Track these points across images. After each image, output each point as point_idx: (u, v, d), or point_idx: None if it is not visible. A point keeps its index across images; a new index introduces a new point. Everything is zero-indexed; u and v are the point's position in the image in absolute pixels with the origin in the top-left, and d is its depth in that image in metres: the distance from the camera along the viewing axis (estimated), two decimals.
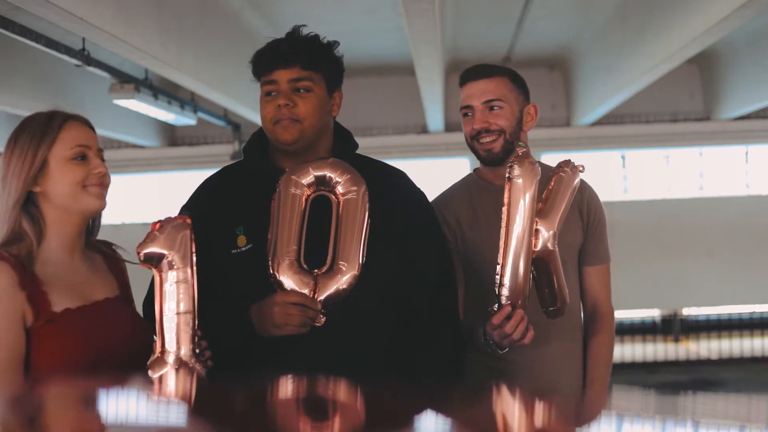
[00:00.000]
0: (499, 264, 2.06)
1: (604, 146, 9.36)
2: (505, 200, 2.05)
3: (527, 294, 2.07)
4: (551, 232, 2.07)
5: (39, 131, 1.87)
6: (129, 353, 1.91)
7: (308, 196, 2.02)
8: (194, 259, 1.80)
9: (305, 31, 2.12)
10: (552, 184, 2.13)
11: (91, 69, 5.51)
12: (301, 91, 2.07)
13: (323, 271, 1.99)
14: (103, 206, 1.92)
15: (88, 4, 4.01)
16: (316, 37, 2.12)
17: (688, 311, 10.06)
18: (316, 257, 2.00)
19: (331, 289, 1.97)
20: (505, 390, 1.64)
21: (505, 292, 2.06)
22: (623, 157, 9.91)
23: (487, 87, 2.32)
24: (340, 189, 2.02)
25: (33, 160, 1.85)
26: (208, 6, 5.85)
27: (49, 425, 1.12)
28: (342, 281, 1.97)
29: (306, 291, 1.96)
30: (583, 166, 2.16)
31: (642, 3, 6.02)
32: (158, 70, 5.54)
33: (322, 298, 1.97)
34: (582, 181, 2.42)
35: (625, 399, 1.27)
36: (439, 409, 1.18)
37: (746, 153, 9.90)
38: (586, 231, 2.41)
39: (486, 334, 2.13)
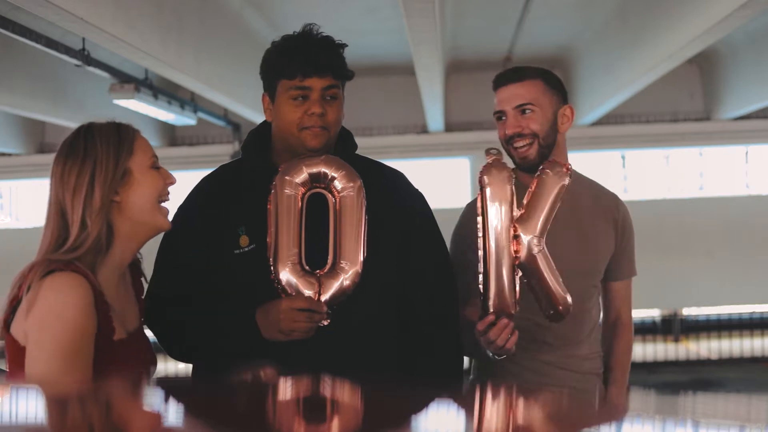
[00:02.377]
0: (480, 273, 2.05)
1: (604, 146, 9.36)
2: (479, 210, 2.06)
3: (514, 300, 2.06)
4: (532, 236, 2.05)
5: (115, 139, 1.82)
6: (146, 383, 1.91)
7: (303, 194, 2.01)
8: None
9: (314, 30, 2.11)
10: (533, 187, 2.10)
11: (91, 69, 5.51)
12: (329, 98, 2.08)
13: (325, 271, 1.99)
14: (169, 226, 1.91)
15: (88, 4, 4.01)
16: (334, 40, 2.12)
17: (688, 311, 10.06)
18: (314, 255, 2.00)
19: (335, 289, 1.98)
20: (509, 390, 1.63)
21: (489, 301, 2.05)
22: (623, 157, 9.91)
23: (518, 91, 2.30)
24: (336, 185, 2.01)
25: (116, 167, 1.80)
26: (208, 6, 5.85)
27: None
28: (345, 280, 1.98)
29: (311, 293, 1.97)
30: (569, 166, 2.13)
31: (642, 3, 6.02)
32: (158, 70, 5.54)
33: (326, 298, 1.98)
34: (615, 195, 2.46)
35: (626, 399, 1.28)
36: (438, 409, 1.18)
37: (746, 153, 9.90)
38: (618, 245, 2.42)
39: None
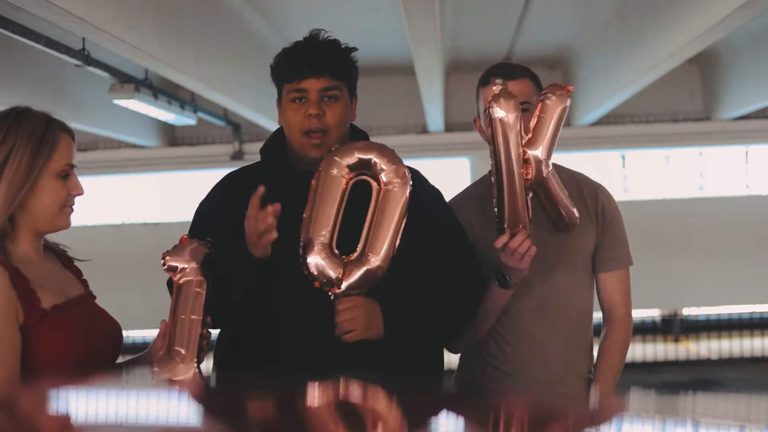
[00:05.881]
0: (494, 198, 2.12)
1: (604, 146, 9.36)
2: (490, 138, 2.12)
3: (527, 220, 2.13)
4: (543, 158, 2.11)
5: (36, 138, 1.80)
6: (111, 347, 1.93)
7: (350, 179, 2.03)
8: (209, 277, 1.93)
9: (320, 35, 2.13)
10: (538, 112, 2.15)
11: (91, 69, 5.51)
12: (329, 99, 2.10)
13: (353, 258, 2.01)
14: (69, 226, 1.91)
15: (88, 4, 4.01)
16: (339, 43, 2.15)
17: (688, 311, 10.07)
18: (348, 240, 2.02)
19: (357, 277, 2.00)
20: (504, 391, 1.64)
21: (505, 221, 2.12)
22: (623, 157, 9.91)
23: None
24: (383, 177, 2.03)
25: (29, 171, 1.79)
26: (208, 6, 5.85)
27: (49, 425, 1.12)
28: (368, 272, 2.00)
29: (333, 276, 1.98)
30: (571, 87, 2.18)
31: (642, 3, 6.02)
32: (158, 70, 5.54)
33: (347, 284, 1.99)
34: (598, 185, 2.44)
35: (626, 399, 1.28)
36: (441, 409, 1.19)
37: (746, 153, 9.90)
38: (601, 235, 2.38)
39: (497, 272, 2.19)
